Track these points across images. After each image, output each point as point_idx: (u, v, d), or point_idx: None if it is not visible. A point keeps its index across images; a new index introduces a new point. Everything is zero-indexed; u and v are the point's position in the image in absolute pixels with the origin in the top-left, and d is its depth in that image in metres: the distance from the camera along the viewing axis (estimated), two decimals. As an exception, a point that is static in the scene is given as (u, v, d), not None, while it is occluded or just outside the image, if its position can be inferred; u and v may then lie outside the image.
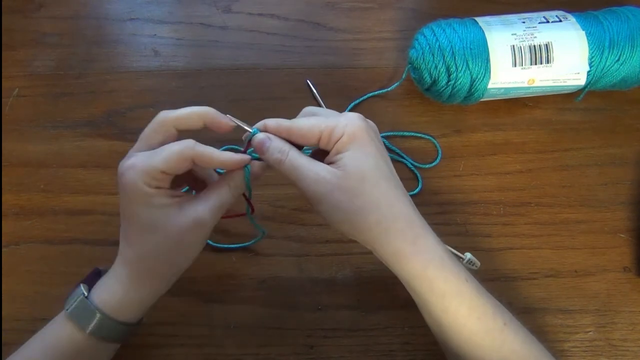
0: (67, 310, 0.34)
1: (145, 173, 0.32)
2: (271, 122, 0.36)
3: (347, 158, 0.33)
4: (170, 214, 0.33)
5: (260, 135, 0.35)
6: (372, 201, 0.33)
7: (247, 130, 0.36)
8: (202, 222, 0.34)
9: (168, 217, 0.33)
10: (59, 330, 0.35)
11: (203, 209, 0.34)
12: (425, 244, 0.33)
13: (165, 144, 0.34)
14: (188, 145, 0.33)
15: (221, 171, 0.38)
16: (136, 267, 0.35)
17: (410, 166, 0.50)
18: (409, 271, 0.33)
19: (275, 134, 0.35)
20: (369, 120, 0.36)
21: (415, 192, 0.48)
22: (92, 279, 0.36)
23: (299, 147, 0.36)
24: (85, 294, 0.35)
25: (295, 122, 0.35)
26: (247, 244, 0.45)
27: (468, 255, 0.43)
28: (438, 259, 0.33)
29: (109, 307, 0.34)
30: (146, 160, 0.33)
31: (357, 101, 0.52)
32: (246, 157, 0.35)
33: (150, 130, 0.34)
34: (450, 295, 0.33)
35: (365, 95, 0.52)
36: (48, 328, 0.35)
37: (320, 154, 0.36)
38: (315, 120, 0.35)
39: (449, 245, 0.36)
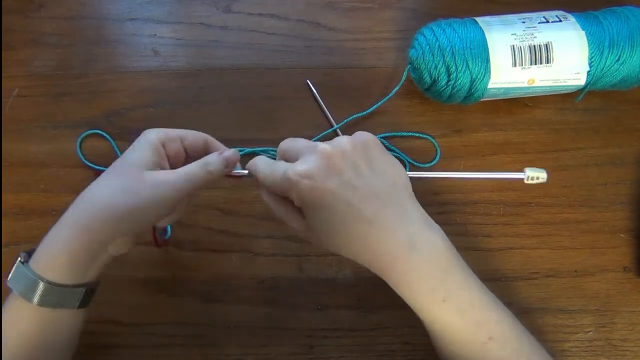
0: (7, 280, 0.33)
1: (164, 132, 0.37)
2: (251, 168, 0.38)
3: (307, 219, 0.35)
4: (146, 168, 0.35)
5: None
6: (343, 246, 0.35)
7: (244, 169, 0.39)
8: (160, 183, 0.34)
9: (142, 170, 0.35)
10: (10, 309, 0.34)
11: (169, 174, 0.35)
12: (393, 273, 0.34)
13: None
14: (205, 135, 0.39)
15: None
16: (88, 208, 0.34)
17: (407, 164, 0.50)
18: (391, 286, 0.35)
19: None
20: (342, 143, 0.34)
21: None
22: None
23: None
24: (22, 260, 0.33)
25: (265, 178, 0.36)
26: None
27: (527, 171, 0.38)
28: (406, 285, 0.34)
29: (49, 267, 0.33)
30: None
31: (362, 114, 0.51)
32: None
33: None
34: (425, 313, 0.34)
35: (369, 109, 0.51)
36: (3, 311, 0.34)
37: None
38: (278, 180, 0.35)
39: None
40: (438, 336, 0.35)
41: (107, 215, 0.34)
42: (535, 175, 0.38)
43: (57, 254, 0.34)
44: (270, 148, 0.49)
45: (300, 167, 0.33)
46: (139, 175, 0.34)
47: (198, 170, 0.36)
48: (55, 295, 0.33)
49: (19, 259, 0.34)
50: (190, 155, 0.39)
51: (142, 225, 0.36)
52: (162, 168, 0.37)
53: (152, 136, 0.37)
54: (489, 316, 0.35)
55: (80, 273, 0.34)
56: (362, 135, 0.36)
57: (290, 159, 0.36)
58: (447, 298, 0.33)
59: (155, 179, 0.34)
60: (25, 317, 0.33)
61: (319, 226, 0.34)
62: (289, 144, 0.37)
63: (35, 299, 0.33)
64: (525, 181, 0.38)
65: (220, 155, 0.37)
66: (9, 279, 0.34)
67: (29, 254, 0.35)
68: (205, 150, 0.39)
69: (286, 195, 0.35)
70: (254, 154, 0.48)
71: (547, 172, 0.38)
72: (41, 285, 0.33)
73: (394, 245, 0.34)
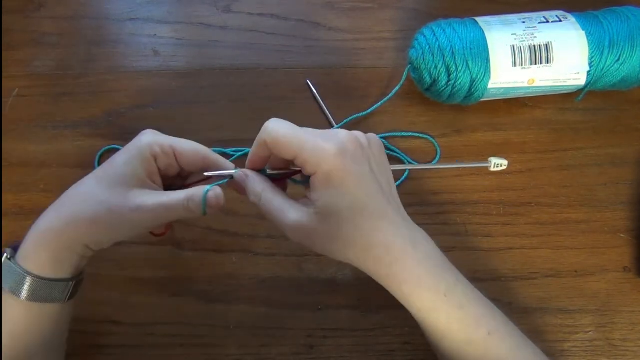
0: None
1: (161, 142, 0.36)
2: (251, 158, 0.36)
3: (322, 200, 0.33)
4: (135, 187, 0.35)
5: (237, 174, 0.36)
6: (349, 240, 0.33)
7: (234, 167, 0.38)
8: (139, 209, 0.34)
9: (129, 187, 0.35)
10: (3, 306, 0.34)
11: (150, 200, 0.35)
12: (401, 267, 0.34)
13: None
14: (204, 148, 0.38)
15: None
16: (74, 213, 0.35)
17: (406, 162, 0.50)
18: (388, 287, 0.35)
19: (255, 153, 0.36)
20: (359, 136, 0.35)
21: (402, 178, 0.49)
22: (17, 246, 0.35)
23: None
24: (8, 256, 0.34)
25: (289, 143, 0.34)
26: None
27: (492, 159, 0.42)
28: (414, 279, 0.34)
29: (35, 263, 0.33)
30: (167, 136, 0.37)
31: (362, 114, 0.51)
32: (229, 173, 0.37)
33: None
34: (426, 310, 0.34)
35: (369, 109, 0.51)
36: None
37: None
38: (297, 140, 0.33)
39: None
40: (439, 336, 0.35)
41: (89, 228, 0.35)
42: (499, 162, 0.42)
43: (41, 250, 0.34)
44: None
45: (333, 140, 0.33)
46: (125, 194, 0.34)
47: (179, 204, 0.35)
48: (43, 290, 0.34)
49: (5, 255, 0.34)
50: (185, 169, 0.38)
51: (122, 238, 0.36)
52: (152, 180, 0.36)
53: (145, 150, 0.35)
54: (484, 311, 0.35)
55: (65, 269, 0.35)
56: (373, 136, 0.36)
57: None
58: (447, 292, 0.34)
59: (138, 203, 0.34)
60: (16, 313, 0.34)
61: (327, 210, 0.33)
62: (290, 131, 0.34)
63: (24, 295, 0.33)
64: (491, 169, 0.43)
65: (205, 194, 0.35)
66: None
67: (14, 248, 0.35)
68: (203, 164, 0.37)
69: (296, 161, 0.33)
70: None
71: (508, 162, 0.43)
72: (29, 280, 0.33)
73: (401, 239, 0.34)
